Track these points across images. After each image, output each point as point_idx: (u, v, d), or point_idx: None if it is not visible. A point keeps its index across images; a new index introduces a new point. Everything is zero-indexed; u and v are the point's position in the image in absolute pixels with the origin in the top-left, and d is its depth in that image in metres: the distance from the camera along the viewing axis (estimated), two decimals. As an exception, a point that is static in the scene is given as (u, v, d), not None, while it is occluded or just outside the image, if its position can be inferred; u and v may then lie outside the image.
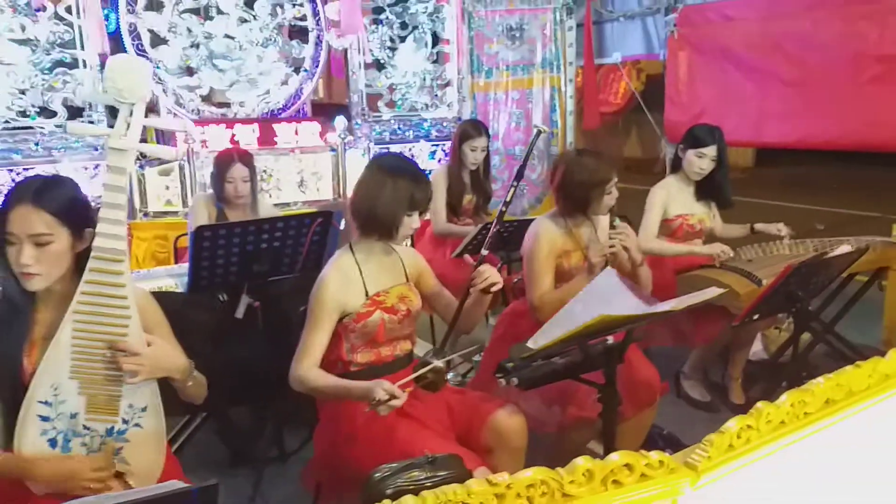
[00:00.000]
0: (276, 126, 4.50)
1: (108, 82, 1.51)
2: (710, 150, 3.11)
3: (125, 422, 1.64)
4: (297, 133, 4.57)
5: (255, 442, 2.87)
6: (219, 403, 2.72)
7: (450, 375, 2.00)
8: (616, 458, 1.18)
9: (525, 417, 2.03)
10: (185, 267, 3.03)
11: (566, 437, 2.39)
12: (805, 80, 4.17)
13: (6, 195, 1.58)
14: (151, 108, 5.48)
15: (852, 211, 8.00)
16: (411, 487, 1.35)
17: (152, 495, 1.18)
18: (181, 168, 4.04)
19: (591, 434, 2.40)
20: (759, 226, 3.39)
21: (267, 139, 4.40)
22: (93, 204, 1.68)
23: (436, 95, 5.17)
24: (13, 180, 3.77)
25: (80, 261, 1.61)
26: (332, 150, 4.57)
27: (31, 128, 3.81)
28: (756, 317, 2.61)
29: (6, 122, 3.76)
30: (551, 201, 5.38)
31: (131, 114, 1.57)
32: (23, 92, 3.77)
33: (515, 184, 2.24)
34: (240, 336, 2.68)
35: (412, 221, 2.01)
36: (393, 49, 4.98)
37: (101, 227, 1.57)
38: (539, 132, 2.40)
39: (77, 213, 1.60)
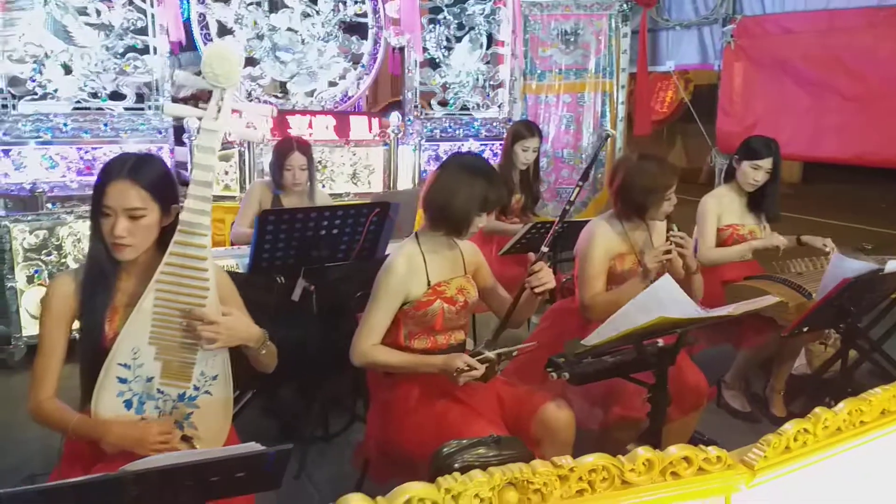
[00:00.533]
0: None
1: (206, 67, 1.60)
2: (766, 163, 3.11)
3: (196, 388, 1.72)
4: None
5: (302, 421, 2.95)
6: (271, 381, 2.81)
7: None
8: (675, 450, 1.22)
9: (573, 412, 2.06)
10: (243, 249, 3.14)
11: (608, 437, 2.42)
12: (864, 95, 4.12)
13: (102, 169, 1.66)
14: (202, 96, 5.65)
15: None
16: (478, 463, 1.40)
17: (232, 455, 1.25)
18: (240, 154, 4.16)
19: (633, 435, 2.42)
20: (805, 238, 3.36)
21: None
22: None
23: (488, 96, 5.22)
24: (81, 158, 3.94)
25: (163, 235, 1.70)
26: (386, 144, 4.65)
27: (101, 109, 3.96)
28: (806, 329, 2.61)
29: (78, 102, 3.91)
30: (596, 206, 5.44)
31: (222, 98, 1.66)
32: (95, 75, 3.92)
33: (581, 183, 2.28)
34: (295, 318, 2.76)
35: (480, 221, 2.07)
36: (449, 49, 5.04)
37: (189, 203, 1.65)
38: (608, 136, 2.43)
39: (167, 190, 1.69)
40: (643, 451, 1.19)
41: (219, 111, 1.66)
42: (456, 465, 1.38)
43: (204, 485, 1.26)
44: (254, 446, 1.25)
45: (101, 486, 1.15)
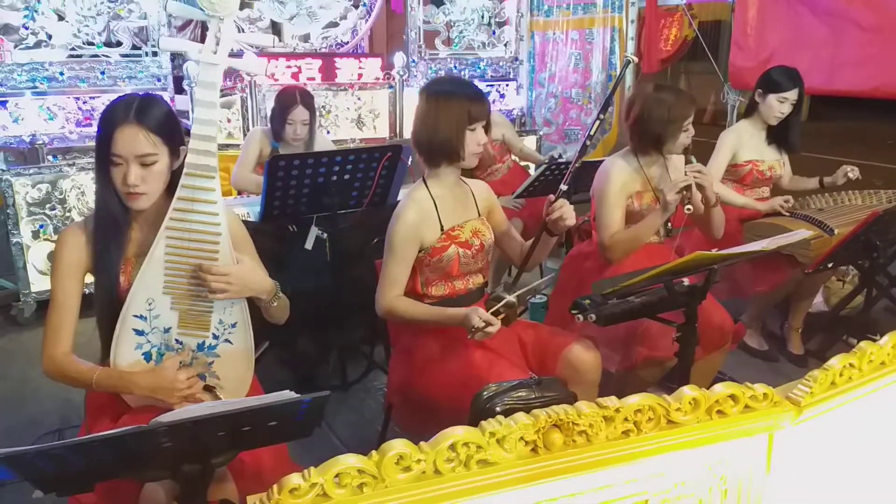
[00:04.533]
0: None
1: (202, -5, 1.51)
2: (793, 94, 3.03)
3: (216, 337, 1.68)
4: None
5: (319, 370, 2.94)
6: (286, 332, 2.78)
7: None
8: (721, 388, 1.19)
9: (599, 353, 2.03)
10: (254, 198, 3.08)
11: (632, 378, 2.40)
12: (884, 25, 3.97)
13: (105, 115, 1.56)
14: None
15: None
16: (520, 406, 1.36)
17: (265, 404, 1.21)
18: (243, 101, 4.05)
19: (657, 375, 2.40)
20: (828, 179, 3.29)
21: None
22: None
23: (493, 33, 5.06)
24: (80, 108, 3.83)
25: (173, 179, 1.63)
26: (391, 87, 4.53)
27: (97, 56, 3.83)
28: (830, 265, 2.57)
29: (73, 49, 3.78)
30: (605, 146, 5.33)
31: (220, 29, 1.57)
32: (90, 20, 3.78)
33: (601, 116, 2.17)
34: (308, 267, 2.72)
35: (476, 136, 1.96)
36: (453, -17, 4.87)
37: (194, 144, 1.58)
38: (629, 62, 2.31)
39: (175, 131, 1.61)
40: (689, 391, 1.16)
41: (217, 44, 1.57)
42: (498, 409, 1.34)
43: (236, 435, 1.23)
44: (288, 394, 1.21)
45: (133, 438, 1.12)
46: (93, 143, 3.81)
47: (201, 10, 1.58)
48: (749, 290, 3.18)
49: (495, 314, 1.88)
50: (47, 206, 3.57)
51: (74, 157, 3.81)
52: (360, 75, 4.49)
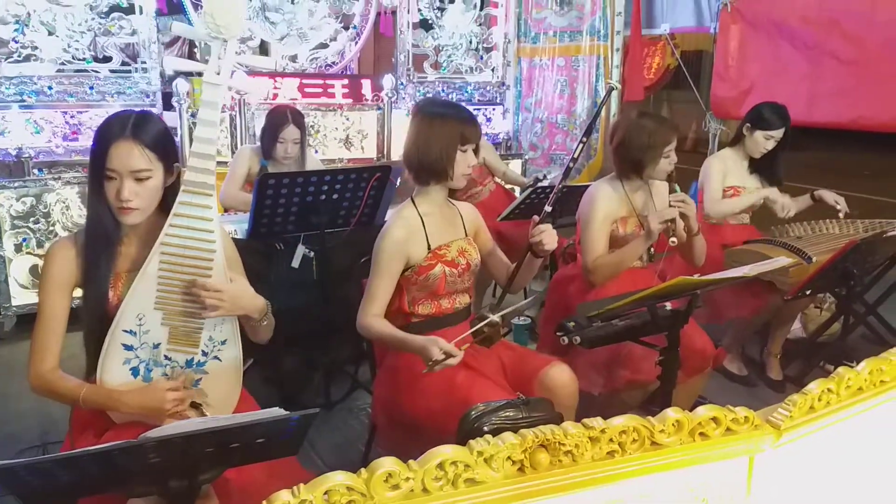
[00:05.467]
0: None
1: (208, 18, 1.54)
2: (779, 133, 3.10)
3: (205, 354, 1.68)
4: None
5: (303, 389, 2.93)
6: (271, 350, 2.77)
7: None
8: (704, 411, 1.21)
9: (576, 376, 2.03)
10: (241, 215, 3.08)
11: (613, 401, 2.42)
12: (862, 59, 4.08)
13: (100, 131, 1.58)
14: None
15: (885, 198, 7.88)
16: (508, 425, 1.38)
17: (254, 420, 1.21)
18: (231, 119, 4.06)
19: (639, 398, 2.42)
20: (819, 193, 3.32)
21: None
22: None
23: (481, 58, 5.13)
24: (67, 122, 3.83)
25: (166, 196, 1.64)
26: (379, 108, 4.56)
27: (86, 71, 3.84)
28: (809, 292, 2.62)
29: (62, 63, 3.79)
30: (590, 172, 5.40)
31: (224, 50, 1.60)
32: (80, 35, 3.79)
33: (585, 140, 2.21)
34: (294, 285, 2.72)
35: (467, 158, 1.99)
36: (441, 9, 4.95)
37: (193, 161, 1.59)
38: (612, 89, 2.37)
39: (170, 149, 1.62)
40: (673, 413, 1.18)
41: (220, 64, 1.59)
42: (485, 428, 1.36)
43: (224, 451, 1.23)
44: (277, 411, 1.22)
45: (122, 453, 1.12)
46: (79, 158, 3.85)
47: (207, 31, 1.61)
48: (729, 316, 3.22)
49: (478, 333, 1.90)
50: (31, 219, 3.55)
51: (60, 171, 3.79)
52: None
